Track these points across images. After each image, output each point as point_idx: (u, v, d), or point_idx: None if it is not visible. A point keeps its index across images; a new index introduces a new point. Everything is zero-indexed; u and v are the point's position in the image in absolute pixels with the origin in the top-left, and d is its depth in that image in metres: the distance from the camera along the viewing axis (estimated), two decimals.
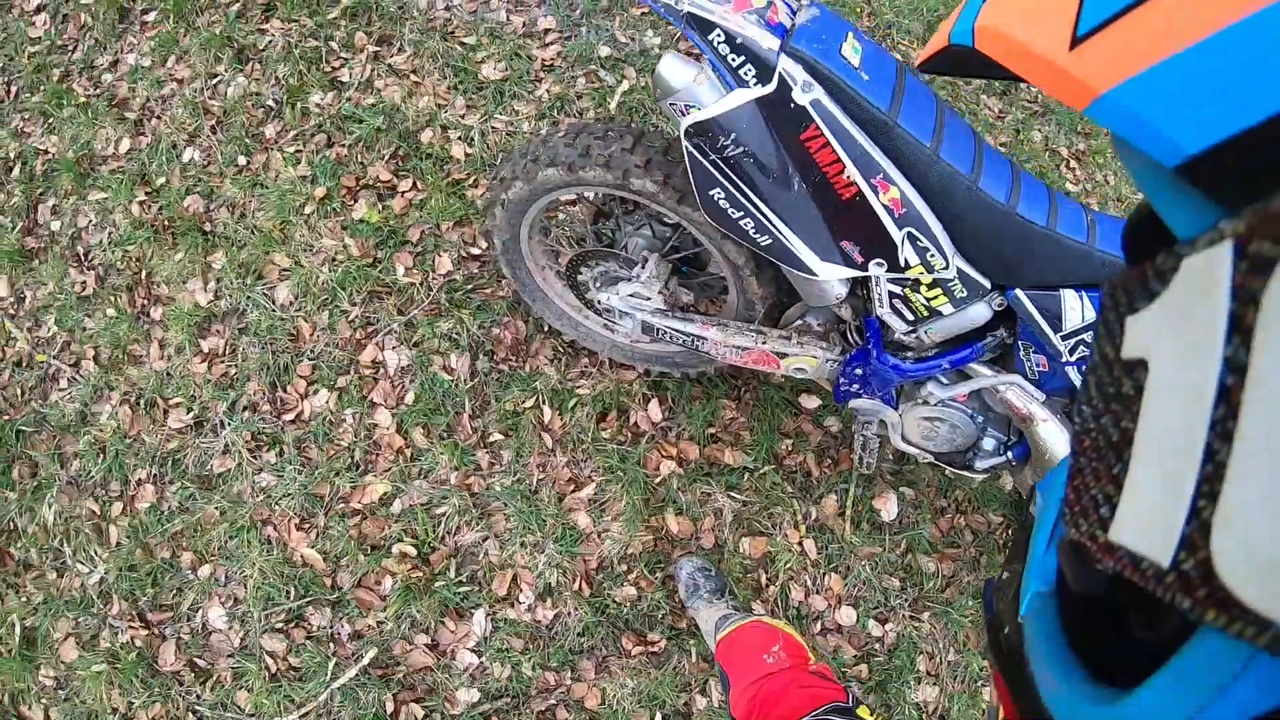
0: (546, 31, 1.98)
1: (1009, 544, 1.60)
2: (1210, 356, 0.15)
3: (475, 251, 1.74)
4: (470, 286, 1.70)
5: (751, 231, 1.11)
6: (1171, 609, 0.16)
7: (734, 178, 1.06)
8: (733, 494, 1.60)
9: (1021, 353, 1.15)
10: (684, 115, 1.04)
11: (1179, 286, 0.16)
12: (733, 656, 1.23)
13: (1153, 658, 0.18)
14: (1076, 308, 1.05)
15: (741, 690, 1.10)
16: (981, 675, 1.64)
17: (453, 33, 1.99)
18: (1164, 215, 0.20)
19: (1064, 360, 1.10)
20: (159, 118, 2.02)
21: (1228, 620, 0.14)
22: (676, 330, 1.39)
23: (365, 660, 1.53)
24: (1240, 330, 0.14)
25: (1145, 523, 0.17)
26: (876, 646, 1.59)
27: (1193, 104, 0.17)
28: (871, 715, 0.93)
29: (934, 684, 1.60)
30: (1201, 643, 0.16)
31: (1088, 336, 1.07)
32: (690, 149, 1.05)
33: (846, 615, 1.59)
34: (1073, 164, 2.02)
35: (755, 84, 0.99)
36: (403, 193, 1.80)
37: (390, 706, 1.52)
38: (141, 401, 1.74)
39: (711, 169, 1.06)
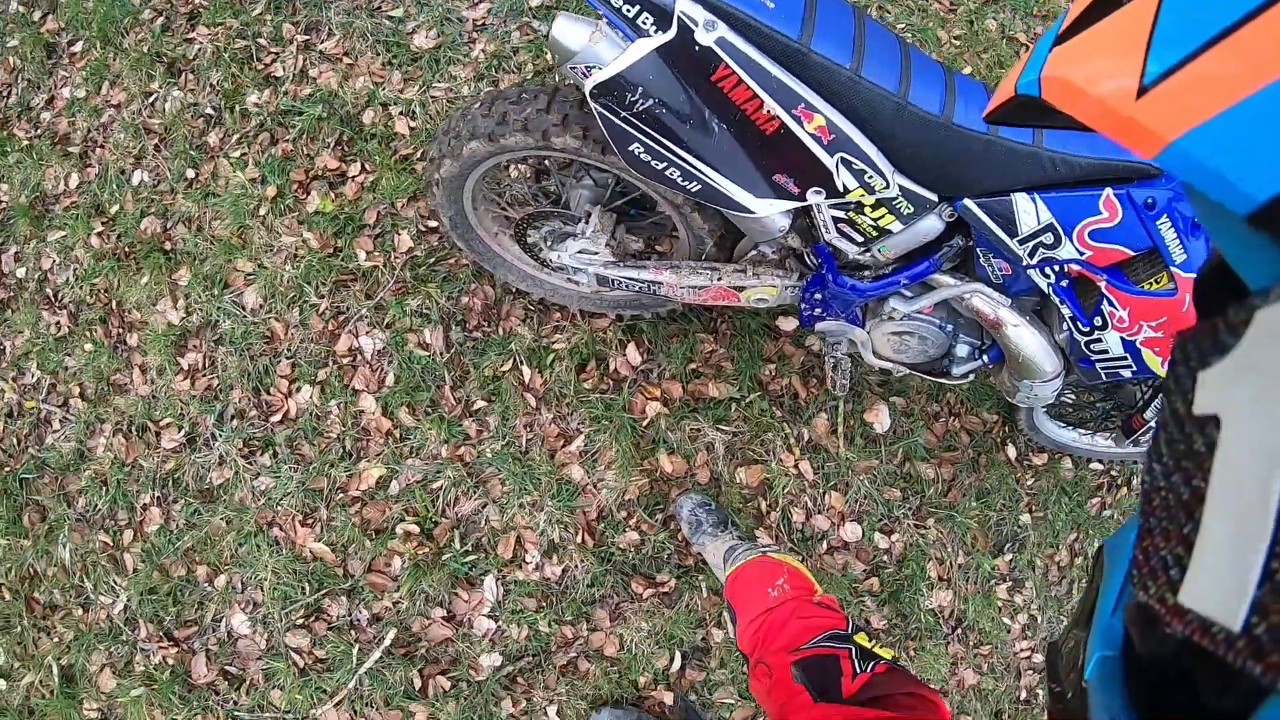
0: None
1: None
2: None
3: (433, 224, 1.75)
4: (433, 260, 1.73)
5: (679, 179, 1.10)
6: (1242, 675, 0.15)
7: (650, 130, 1.04)
8: (722, 426, 1.63)
9: (981, 259, 1.14)
10: (587, 77, 1.02)
11: (1252, 339, 0.16)
12: (739, 591, 1.27)
13: None
14: (1030, 210, 1.04)
15: (747, 623, 1.14)
16: (993, 575, 1.67)
17: (379, 8, 1.98)
18: (1236, 265, 0.19)
19: (1025, 264, 1.09)
20: (102, 146, 2.04)
21: None
22: (630, 279, 1.40)
23: (387, 641, 1.60)
24: None
25: (1216, 585, 0.16)
26: (885, 558, 1.63)
27: (1263, 150, 0.17)
28: (870, 641, 0.95)
29: (946, 588, 1.64)
30: (1272, 710, 0.16)
31: (1045, 238, 1.05)
32: (599, 109, 1.03)
33: (851, 531, 1.62)
34: (1032, 48, 1.98)
35: (655, 32, 0.97)
36: (353, 178, 1.82)
37: (418, 682, 1.59)
38: (133, 428, 1.79)
39: (625, 125, 1.04)
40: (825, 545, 1.61)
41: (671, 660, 1.57)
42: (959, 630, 1.64)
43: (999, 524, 1.66)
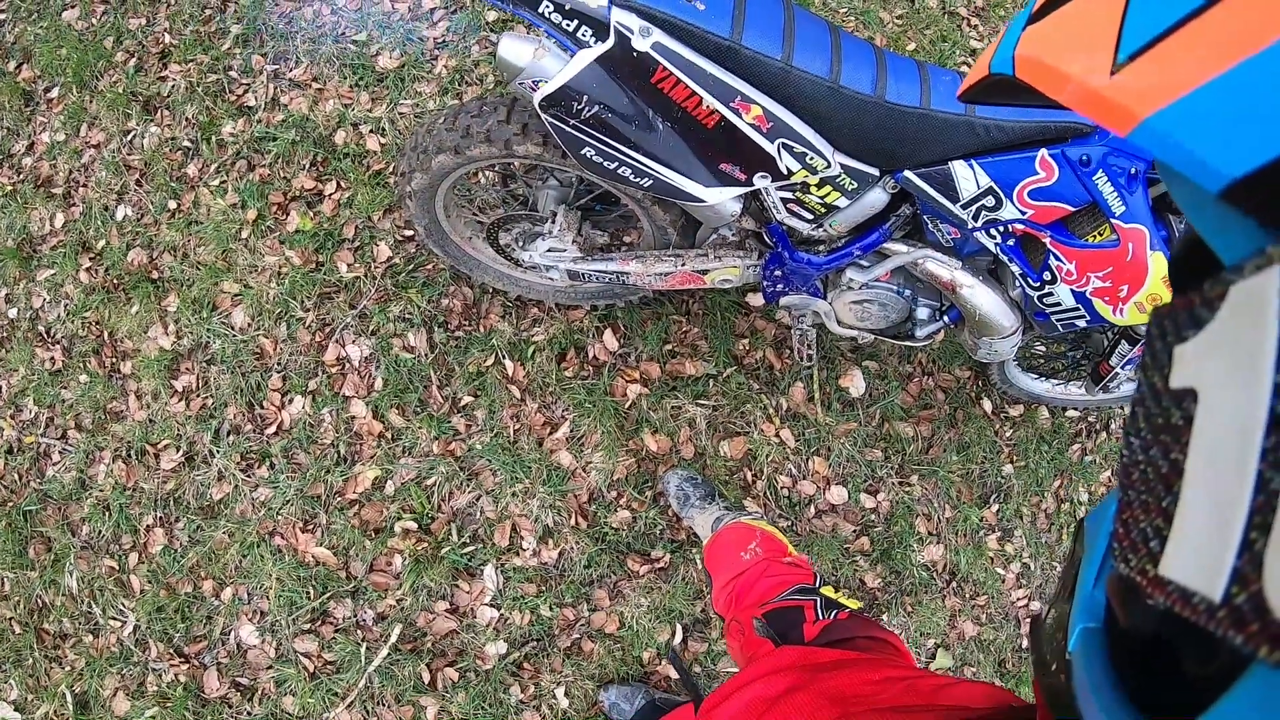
0: (433, 10, 2.12)
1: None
2: (1260, 383, 0.15)
3: (409, 234, 1.89)
4: (412, 267, 1.86)
5: (631, 177, 1.21)
6: (1224, 644, 0.16)
7: (599, 134, 1.15)
8: (701, 402, 1.74)
9: (929, 225, 1.24)
10: (535, 90, 1.12)
11: (1227, 313, 0.17)
12: (715, 557, 1.38)
13: (1205, 694, 0.18)
14: (968, 176, 1.12)
15: (721, 586, 1.24)
16: (982, 526, 1.78)
17: (343, 34, 2.13)
18: (1210, 241, 0.20)
19: (970, 228, 1.18)
20: (85, 185, 2.19)
21: None
22: (598, 271, 1.51)
23: (393, 638, 1.70)
24: None
25: (1196, 556, 0.17)
26: (873, 518, 1.73)
27: (1235, 127, 0.18)
28: (836, 592, 1.02)
29: (936, 542, 1.74)
30: (1254, 679, 0.17)
31: (987, 201, 1.14)
32: (550, 120, 1.14)
33: (837, 494, 1.73)
34: (974, 21, 2.13)
35: (595, 43, 1.07)
36: (329, 195, 1.96)
37: (426, 676, 1.69)
38: (132, 453, 1.91)
39: (575, 132, 1.15)
40: (813, 509, 1.72)
41: (673, 634, 1.67)
42: (954, 583, 1.74)
43: (982, 476, 1.77)
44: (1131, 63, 0.21)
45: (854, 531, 1.71)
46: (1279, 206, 0.17)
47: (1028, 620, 1.78)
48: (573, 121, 1.14)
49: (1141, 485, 0.20)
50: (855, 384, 1.75)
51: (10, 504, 1.97)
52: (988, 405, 1.79)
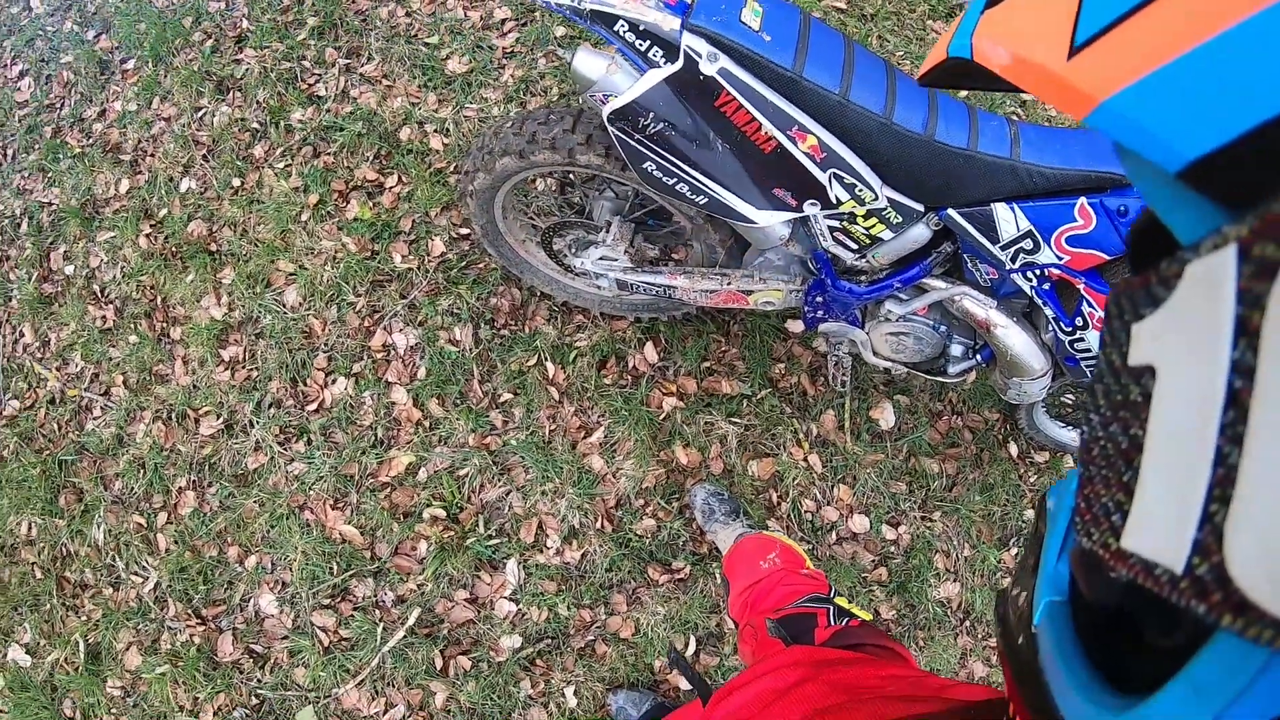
0: (504, 21, 2.23)
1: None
2: (1218, 360, 0.15)
3: (465, 231, 1.97)
4: (464, 264, 1.94)
5: (688, 194, 1.28)
6: (1187, 615, 0.16)
7: (661, 150, 1.22)
8: (734, 420, 1.81)
9: (969, 264, 1.29)
10: (604, 104, 1.20)
11: (1184, 292, 0.17)
12: (734, 565, 1.43)
13: (1169, 664, 0.19)
14: (1009, 219, 1.18)
15: (738, 593, 1.29)
16: (999, 568, 1.83)
17: (416, 35, 2.25)
18: (1167, 221, 0.21)
19: (1008, 269, 1.24)
20: (152, 155, 2.29)
21: (1244, 624, 0.15)
22: (647, 283, 1.59)
23: (410, 621, 1.75)
24: (1247, 333, 0.15)
25: (1158, 529, 0.17)
26: (893, 549, 1.79)
27: (1192, 108, 0.18)
28: (850, 603, 1.05)
29: (954, 580, 1.79)
30: (1217, 647, 0.17)
31: (1025, 244, 1.19)
32: (616, 133, 1.21)
33: (859, 523, 1.78)
34: None
35: (664, 63, 1.14)
36: (390, 188, 2.05)
37: (439, 662, 1.74)
38: (173, 416, 1.98)
39: (639, 146, 1.22)
40: (834, 536, 1.77)
41: (686, 644, 1.72)
42: (967, 622, 1.78)
43: (1003, 518, 1.82)
44: (1089, 46, 0.22)
45: (873, 561, 1.76)
46: (1235, 187, 0.17)
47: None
48: (637, 136, 1.22)
49: (1102, 461, 0.20)
50: (886, 416, 1.81)
51: (47, 452, 2.04)
52: (1014, 449, 1.85)
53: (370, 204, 2.05)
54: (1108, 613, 0.24)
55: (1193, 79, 0.18)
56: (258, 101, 2.26)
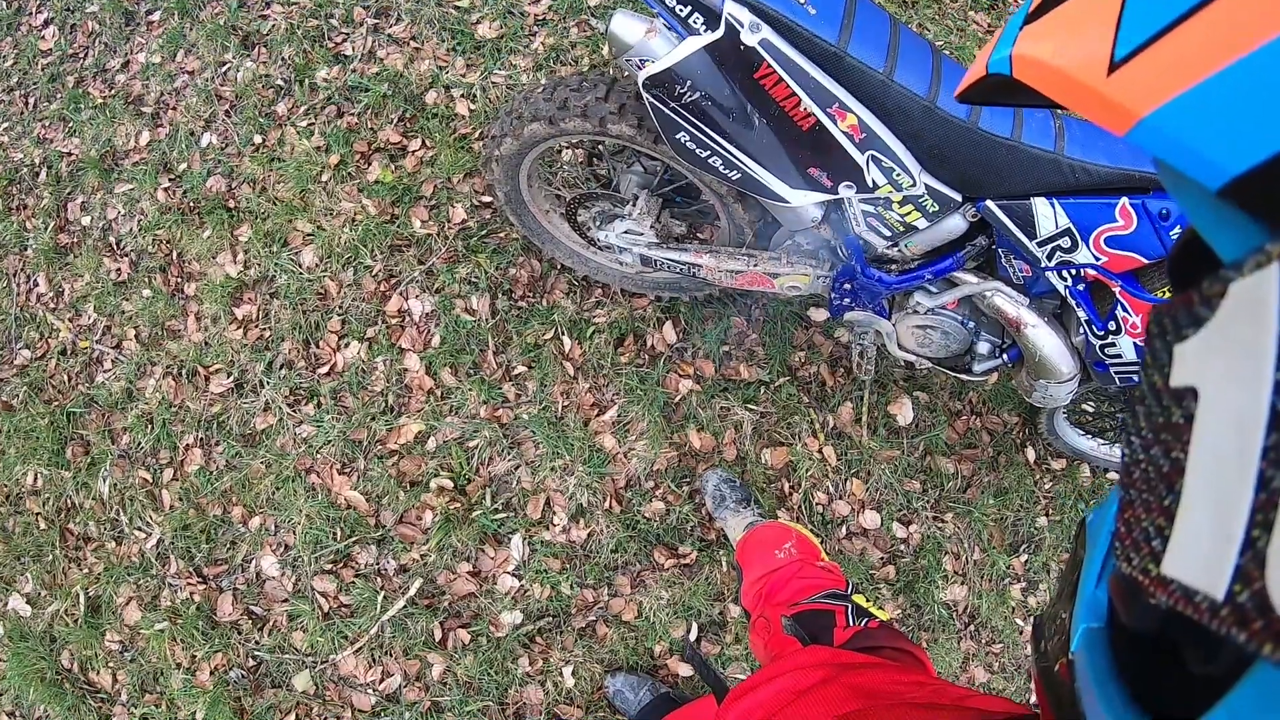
0: None
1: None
2: (1261, 381, 0.15)
3: (487, 199, 1.96)
4: (484, 232, 1.93)
5: (720, 168, 1.26)
6: (1227, 643, 0.16)
7: (696, 121, 1.20)
8: (750, 407, 1.80)
9: (1003, 259, 1.27)
10: (640, 69, 1.18)
11: (1226, 311, 0.17)
12: (748, 553, 1.42)
13: (1208, 693, 0.18)
14: (1049, 214, 1.15)
15: (752, 582, 1.28)
16: (1008, 574, 1.81)
17: None
18: (1209, 239, 0.20)
19: (1043, 266, 1.21)
20: (174, 109, 2.29)
21: None
22: (672, 260, 1.57)
23: (412, 591, 1.75)
24: None
25: (1198, 555, 0.17)
26: (902, 548, 1.77)
27: (1233, 124, 0.18)
28: (867, 601, 1.04)
29: (961, 583, 1.78)
30: (1258, 677, 0.17)
31: (1063, 241, 1.17)
32: (651, 100, 1.19)
33: (870, 519, 1.77)
34: None
35: (705, 31, 1.12)
36: (413, 152, 2.04)
37: (438, 634, 1.74)
38: (183, 372, 1.99)
39: (674, 115, 1.20)
40: (845, 530, 1.76)
41: (688, 631, 1.72)
42: (972, 627, 1.77)
43: (1016, 524, 1.81)
44: (1129, 61, 0.22)
45: (881, 558, 1.75)
46: (1278, 203, 0.17)
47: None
48: (673, 104, 1.19)
49: (1143, 484, 0.20)
50: (904, 412, 1.79)
51: (56, 403, 2.06)
52: (1031, 454, 1.83)
53: (392, 167, 2.04)
54: (1147, 640, 0.23)
55: (1233, 94, 0.18)
56: (283, 58, 2.25)
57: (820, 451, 1.78)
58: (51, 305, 2.19)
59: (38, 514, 2.01)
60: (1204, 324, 0.18)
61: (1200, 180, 0.18)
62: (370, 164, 2.05)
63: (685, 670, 1.71)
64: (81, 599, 1.92)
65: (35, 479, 2.03)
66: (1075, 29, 0.25)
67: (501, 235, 1.94)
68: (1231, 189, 0.18)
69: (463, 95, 2.10)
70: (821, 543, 1.76)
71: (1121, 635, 0.25)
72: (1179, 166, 0.19)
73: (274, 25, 2.29)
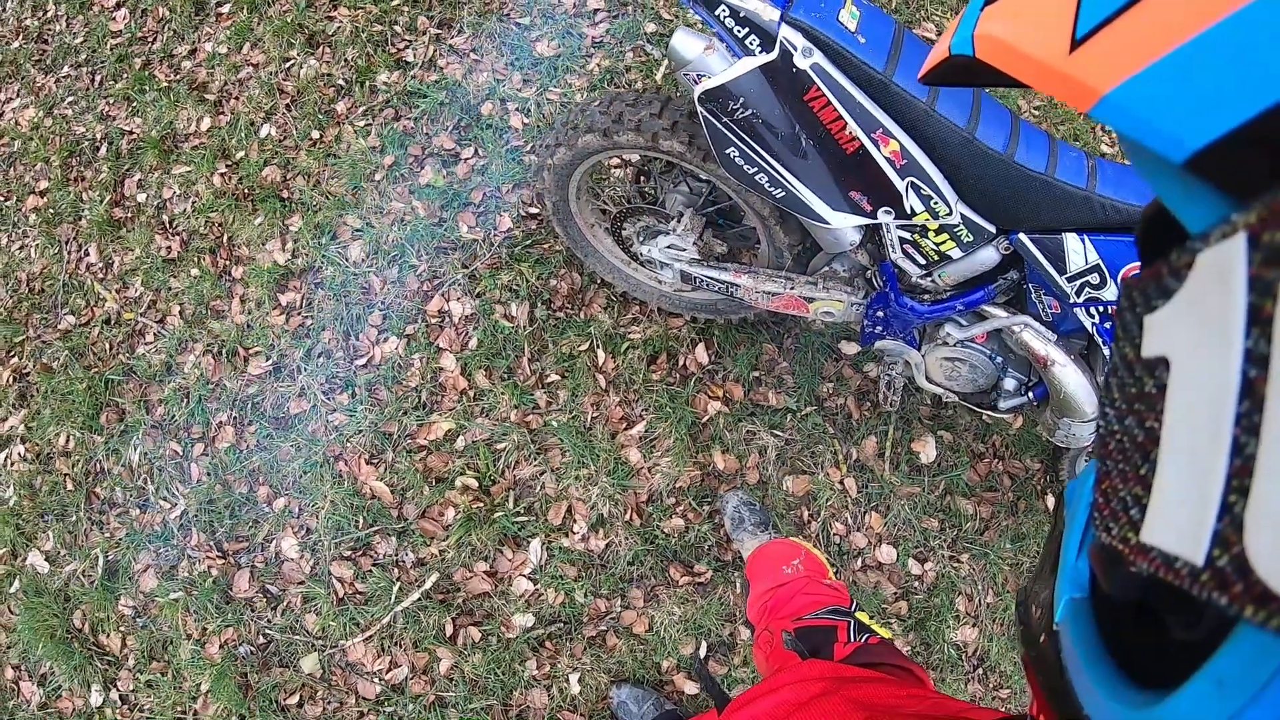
0: (595, 11, 2.30)
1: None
2: (1231, 350, 0.16)
3: (533, 211, 2.03)
4: (529, 242, 1.99)
5: (766, 185, 1.31)
6: (1209, 608, 0.16)
7: (746, 137, 1.26)
8: (776, 433, 1.84)
9: (1033, 295, 1.31)
10: (697, 84, 1.25)
11: (1195, 282, 0.17)
12: (757, 567, 1.45)
13: (1192, 659, 0.18)
14: (1079, 250, 1.20)
15: (758, 595, 1.31)
16: None
17: (508, 14, 2.32)
18: (1176, 212, 0.21)
19: (1071, 302, 1.25)
20: (237, 99, 2.38)
21: (1266, 615, 0.15)
22: (711, 278, 1.63)
23: (427, 585, 1.79)
24: (1259, 321, 0.15)
25: (1177, 522, 0.17)
26: (916, 585, 1.80)
27: (1195, 98, 0.18)
28: (871, 619, 1.05)
29: (973, 625, 1.80)
30: (1240, 640, 0.17)
31: (1092, 278, 1.21)
32: (704, 113, 1.26)
33: (887, 553, 1.79)
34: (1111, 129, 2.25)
35: (760, 52, 1.19)
36: (465, 159, 2.11)
37: (449, 629, 1.77)
38: (223, 351, 2.05)
39: (725, 130, 1.26)
40: (860, 562, 1.78)
41: (697, 649, 1.74)
42: (980, 670, 1.78)
43: (1031, 570, 1.82)
44: (1090, 39, 0.22)
45: (895, 594, 1.77)
46: (1241, 175, 0.17)
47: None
48: (725, 120, 1.26)
49: (1119, 454, 0.21)
50: (927, 450, 1.83)
51: (95, 370, 2.12)
52: (1051, 501, 1.86)
53: (444, 172, 2.12)
54: (1129, 608, 0.24)
55: (1194, 68, 0.19)
56: (346, 59, 2.34)
57: (842, 482, 1.82)
58: (100, 275, 2.26)
59: (66, 475, 2.06)
60: (1173, 295, 0.18)
61: (1164, 154, 0.19)
62: (423, 167, 2.13)
63: (691, 688, 1.73)
64: (100, 561, 1.96)
65: (68, 440, 2.09)
66: (1036, 8, 0.25)
67: (545, 246, 2.00)
68: (1195, 162, 0.18)
69: (517, 109, 2.17)
70: (836, 572, 1.79)
71: (1104, 605, 0.25)
72: (1143, 141, 0.20)
73: (339, 27, 2.39)
